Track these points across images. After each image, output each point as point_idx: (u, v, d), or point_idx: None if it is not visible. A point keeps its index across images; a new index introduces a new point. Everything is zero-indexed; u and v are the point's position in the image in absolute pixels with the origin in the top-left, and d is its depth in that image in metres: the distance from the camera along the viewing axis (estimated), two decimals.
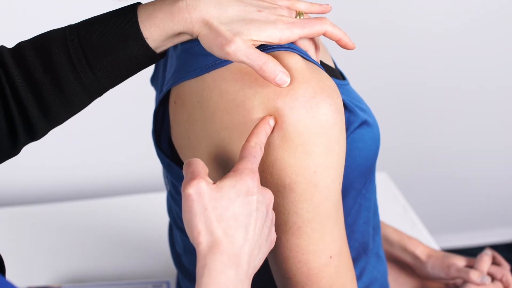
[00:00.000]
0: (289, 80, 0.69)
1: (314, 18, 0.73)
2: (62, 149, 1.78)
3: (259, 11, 0.70)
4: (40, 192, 1.80)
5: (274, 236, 0.72)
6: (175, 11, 0.70)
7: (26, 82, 0.72)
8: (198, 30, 0.70)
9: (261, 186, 0.69)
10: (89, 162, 1.82)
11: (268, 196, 0.70)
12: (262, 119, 0.70)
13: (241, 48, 0.68)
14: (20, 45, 0.74)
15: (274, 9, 0.72)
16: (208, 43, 0.70)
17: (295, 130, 0.70)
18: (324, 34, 0.73)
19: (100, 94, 0.75)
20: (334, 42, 0.75)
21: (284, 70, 0.69)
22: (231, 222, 0.67)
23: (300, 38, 0.72)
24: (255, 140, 0.69)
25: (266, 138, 0.70)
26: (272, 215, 0.71)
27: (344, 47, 0.75)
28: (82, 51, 0.71)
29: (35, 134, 0.76)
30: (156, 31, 0.71)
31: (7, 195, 1.77)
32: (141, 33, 0.71)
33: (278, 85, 0.69)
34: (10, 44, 0.77)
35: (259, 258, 0.70)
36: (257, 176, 0.68)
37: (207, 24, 0.69)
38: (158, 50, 0.73)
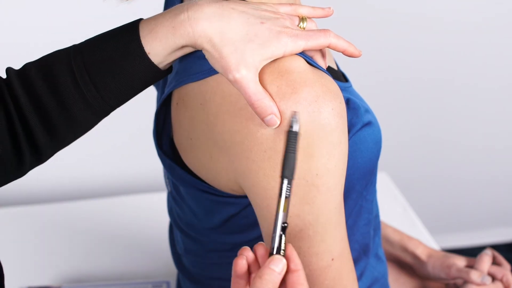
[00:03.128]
0: (278, 122, 0.69)
1: (318, 30, 0.73)
2: (62, 149, 1.78)
3: (262, 23, 0.70)
4: (40, 192, 1.80)
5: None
6: (176, 24, 0.70)
7: (32, 103, 0.72)
8: (201, 44, 0.70)
9: None
10: (89, 162, 1.82)
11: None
12: None
13: (242, 80, 0.68)
14: (26, 67, 0.73)
15: (277, 19, 0.71)
16: (212, 62, 0.70)
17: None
18: (328, 46, 0.73)
19: (106, 114, 0.74)
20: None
21: (276, 112, 0.69)
22: None
23: (304, 50, 0.72)
24: None
25: None
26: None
27: (350, 56, 0.75)
28: (86, 70, 0.71)
29: (41, 156, 0.75)
30: (159, 46, 0.70)
31: (8, 195, 1.77)
32: (143, 49, 0.70)
33: (267, 125, 0.69)
34: (17, 65, 0.77)
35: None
36: None
37: (210, 41, 0.69)
38: (161, 65, 0.72)
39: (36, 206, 1.64)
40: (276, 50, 0.70)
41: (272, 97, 0.70)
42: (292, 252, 0.65)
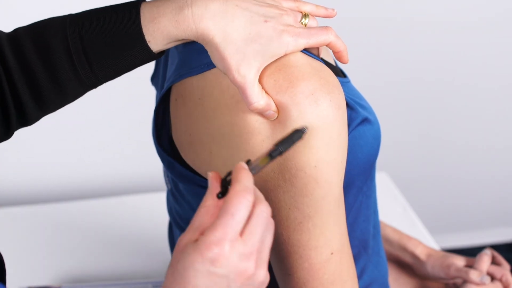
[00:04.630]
0: (276, 116, 0.71)
1: (319, 27, 0.73)
2: (62, 149, 1.78)
3: (266, 21, 0.70)
4: (40, 192, 1.80)
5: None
6: (180, 19, 0.70)
7: (22, 72, 0.72)
8: (203, 42, 0.70)
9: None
10: (89, 162, 1.82)
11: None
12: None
13: (241, 81, 0.69)
14: (18, 32, 0.73)
15: (280, 16, 0.72)
16: (214, 61, 0.71)
17: (296, 125, 0.70)
18: (327, 45, 0.74)
19: (95, 87, 0.75)
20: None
21: (273, 107, 0.70)
22: None
23: (305, 48, 0.72)
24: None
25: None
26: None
27: (339, 59, 0.76)
28: (82, 47, 0.71)
29: (27, 120, 0.76)
30: (160, 36, 0.71)
31: (7, 195, 1.78)
32: (143, 36, 0.70)
33: (266, 118, 0.71)
34: (7, 27, 0.77)
35: None
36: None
37: (212, 41, 0.69)
38: (158, 52, 0.73)
39: (36, 206, 1.64)
40: (277, 50, 0.70)
41: (269, 91, 0.71)
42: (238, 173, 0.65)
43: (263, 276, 0.64)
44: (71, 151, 1.80)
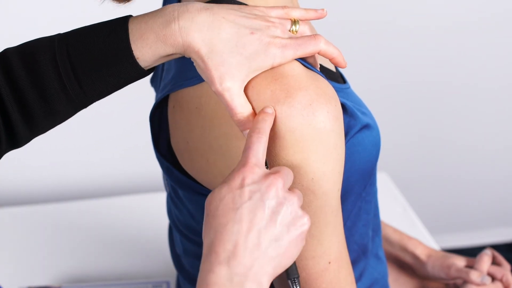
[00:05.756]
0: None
1: (308, 36, 0.72)
2: (62, 149, 1.78)
3: (252, 33, 0.69)
4: (40, 192, 1.80)
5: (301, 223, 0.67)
6: (167, 33, 0.69)
7: (12, 92, 0.71)
8: (189, 54, 0.70)
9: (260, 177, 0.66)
10: (89, 162, 1.82)
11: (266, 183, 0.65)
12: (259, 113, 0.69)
13: (225, 93, 0.69)
14: (7, 52, 0.73)
15: (267, 28, 0.71)
16: (199, 72, 0.71)
17: (293, 138, 0.69)
18: (318, 53, 0.72)
19: (85, 107, 0.74)
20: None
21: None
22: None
23: (293, 59, 0.71)
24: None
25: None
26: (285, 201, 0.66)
27: (336, 64, 0.74)
28: (70, 65, 0.70)
29: (17, 142, 0.75)
30: (148, 52, 0.70)
31: (8, 195, 1.78)
32: (132, 53, 0.70)
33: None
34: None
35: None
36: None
37: (198, 53, 0.69)
38: (147, 68, 0.72)
39: (36, 206, 1.64)
40: (263, 63, 0.70)
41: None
42: None
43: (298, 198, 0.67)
44: (71, 151, 1.80)
